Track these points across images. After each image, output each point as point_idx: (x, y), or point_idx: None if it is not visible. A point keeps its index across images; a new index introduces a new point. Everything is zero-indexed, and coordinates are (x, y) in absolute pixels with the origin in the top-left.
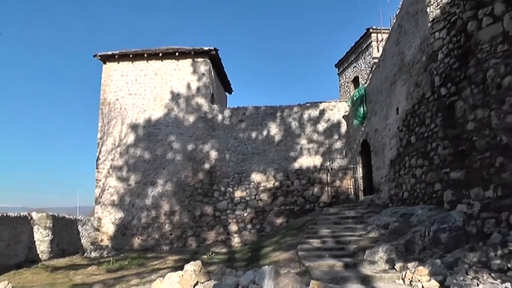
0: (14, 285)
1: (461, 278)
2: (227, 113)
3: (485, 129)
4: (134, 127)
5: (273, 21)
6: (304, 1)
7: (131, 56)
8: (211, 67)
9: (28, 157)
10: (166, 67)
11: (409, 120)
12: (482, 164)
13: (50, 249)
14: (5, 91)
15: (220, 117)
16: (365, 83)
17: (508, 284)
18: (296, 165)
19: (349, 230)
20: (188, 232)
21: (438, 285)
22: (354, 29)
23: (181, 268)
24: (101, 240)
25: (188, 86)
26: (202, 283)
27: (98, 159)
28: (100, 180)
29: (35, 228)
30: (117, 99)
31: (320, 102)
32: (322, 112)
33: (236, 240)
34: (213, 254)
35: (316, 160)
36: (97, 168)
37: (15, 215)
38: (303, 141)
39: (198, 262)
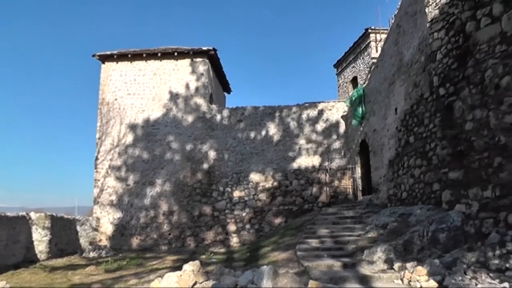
0: (12, 286)
1: (460, 278)
2: (225, 113)
3: (483, 129)
4: (132, 127)
5: (272, 19)
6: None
7: (129, 56)
8: (210, 67)
9: (26, 156)
10: (165, 67)
11: (407, 120)
12: (480, 164)
13: (48, 249)
14: (5, 91)
15: (218, 117)
16: (364, 83)
17: (506, 284)
18: (295, 165)
19: (348, 230)
20: (186, 232)
21: (437, 285)
22: (353, 28)
23: (179, 268)
24: (100, 240)
25: (187, 86)
26: (201, 283)
27: (96, 159)
28: (99, 180)
29: (34, 228)
30: (115, 99)
31: (319, 102)
32: (321, 112)
33: (234, 240)
34: (212, 254)
35: (315, 160)
36: (95, 168)
37: (13, 215)
38: (302, 141)
39: (197, 262)
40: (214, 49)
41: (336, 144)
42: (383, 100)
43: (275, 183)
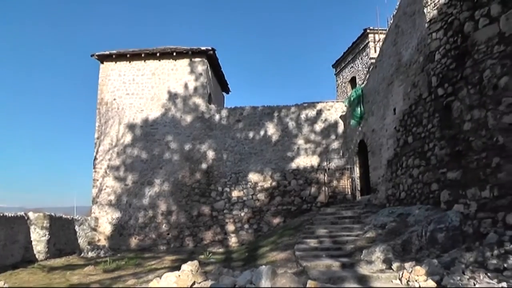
0: (10, 286)
1: (458, 278)
2: (224, 113)
3: (481, 130)
4: (131, 127)
5: (271, 18)
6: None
7: (128, 56)
8: (209, 67)
9: (25, 156)
10: (164, 67)
11: (406, 120)
12: (478, 165)
13: (47, 249)
14: (4, 91)
15: (217, 117)
16: (362, 83)
17: (504, 284)
18: (293, 165)
19: (346, 230)
20: (185, 232)
21: (435, 285)
22: (352, 28)
23: (178, 268)
24: (98, 240)
25: (186, 86)
26: (199, 283)
27: (95, 159)
28: (97, 180)
29: (32, 228)
30: (114, 99)
31: (317, 102)
32: (319, 112)
33: (233, 240)
34: (210, 254)
35: (313, 160)
36: (94, 168)
37: (12, 215)
38: (300, 141)
39: (195, 262)
40: (213, 49)
41: (335, 144)
42: (382, 100)
43: (274, 183)
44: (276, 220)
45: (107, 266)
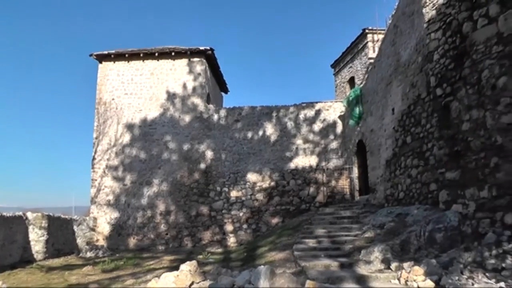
0: (9, 286)
1: (456, 277)
2: (223, 113)
3: (480, 130)
4: (130, 126)
5: (270, 17)
6: None
7: (127, 55)
8: (207, 67)
9: (23, 156)
10: (162, 67)
11: (404, 120)
12: (477, 165)
13: (45, 249)
14: (5, 90)
15: (216, 117)
16: (361, 83)
17: (502, 284)
18: (292, 165)
19: (345, 230)
20: (183, 232)
21: (434, 284)
22: (351, 28)
23: (176, 268)
24: (97, 240)
25: (184, 86)
26: (198, 283)
27: (93, 158)
28: (96, 180)
29: (30, 228)
30: (113, 99)
31: (316, 102)
32: (318, 112)
33: (231, 240)
34: (209, 254)
35: (312, 160)
36: (92, 168)
37: (10, 214)
38: (299, 141)
39: (194, 262)
40: (211, 49)
41: (333, 144)
42: (380, 100)
43: (272, 183)
44: (274, 220)
45: (105, 266)
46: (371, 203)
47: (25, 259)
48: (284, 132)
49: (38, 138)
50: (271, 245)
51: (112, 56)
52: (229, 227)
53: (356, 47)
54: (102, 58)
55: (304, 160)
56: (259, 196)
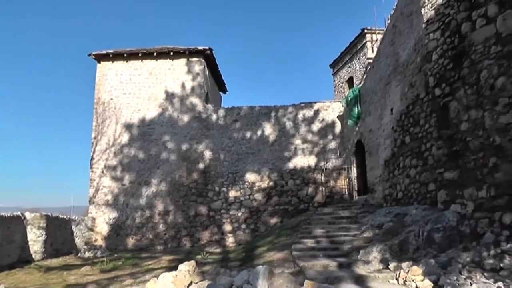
0: (7, 286)
1: (455, 277)
2: (221, 112)
3: (478, 130)
4: (128, 126)
5: (267, 15)
6: None
7: (125, 55)
8: (206, 67)
9: (22, 155)
10: (161, 67)
11: (403, 120)
12: (475, 165)
13: (43, 249)
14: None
15: (214, 117)
16: (360, 83)
17: (500, 284)
18: (291, 165)
19: (343, 230)
20: (182, 232)
21: (432, 284)
22: (350, 27)
23: (175, 268)
24: (95, 240)
25: (183, 86)
26: (196, 283)
27: (92, 158)
28: (94, 180)
29: (29, 228)
30: (111, 99)
31: (315, 102)
32: (317, 112)
33: (230, 240)
34: (207, 254)
35: (311, 160)
36: (91, 168)
37: (8, 214)
38: (298, 141)
39: (192, 262)
40: (210, 49)
41: (332, 144)
42: (379, 100)
43: (271, 183)
44: (273, 220)
45: (104, 266)
46: (369, 203)
47: (24, 259)
48: (282, 132)
49: (37, 138)
50: (269, 245)
51: (111, 55)
52: (227, 227)
53: (355, 47)
54: (100, 57)
55: (302, 160)
56: (258, 196)
